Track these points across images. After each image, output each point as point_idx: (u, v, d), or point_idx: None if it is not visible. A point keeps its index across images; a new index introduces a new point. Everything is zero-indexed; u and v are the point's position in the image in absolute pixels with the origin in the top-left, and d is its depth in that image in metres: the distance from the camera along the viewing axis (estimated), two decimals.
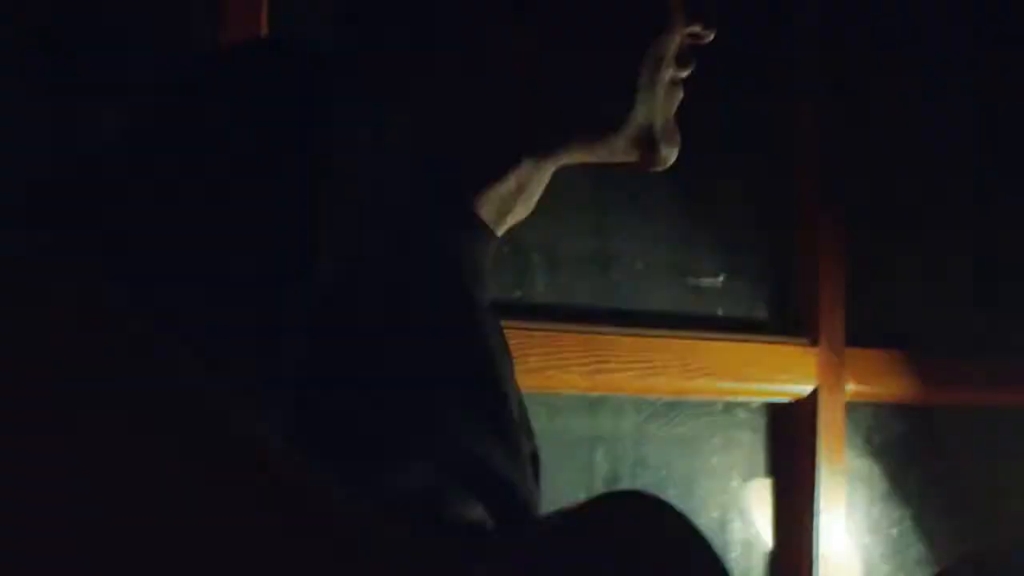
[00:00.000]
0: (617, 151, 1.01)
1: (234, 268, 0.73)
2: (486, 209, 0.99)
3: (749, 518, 2.17)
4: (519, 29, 0.97)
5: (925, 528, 2.30)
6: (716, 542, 0.81)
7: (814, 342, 2.19)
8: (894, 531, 2.29)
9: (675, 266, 2.13)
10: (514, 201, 1.01)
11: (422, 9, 0.97)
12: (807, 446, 2.18)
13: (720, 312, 2.17)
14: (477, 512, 0.87)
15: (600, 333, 2.02)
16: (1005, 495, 2.33)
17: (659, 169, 1.03)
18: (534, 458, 1.10)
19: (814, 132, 2.22)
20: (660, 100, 1.00)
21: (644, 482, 2.08)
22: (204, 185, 0.75)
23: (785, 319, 2.21)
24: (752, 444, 2.18)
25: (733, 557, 2.15)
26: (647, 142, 1.01)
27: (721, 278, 2.17)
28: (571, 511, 0.88)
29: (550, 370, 1.97)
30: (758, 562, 2.17)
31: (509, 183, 0.99)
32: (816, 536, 2.16)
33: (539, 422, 1.95)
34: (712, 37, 1.02)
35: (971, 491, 2.32)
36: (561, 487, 2.01)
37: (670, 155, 1.02)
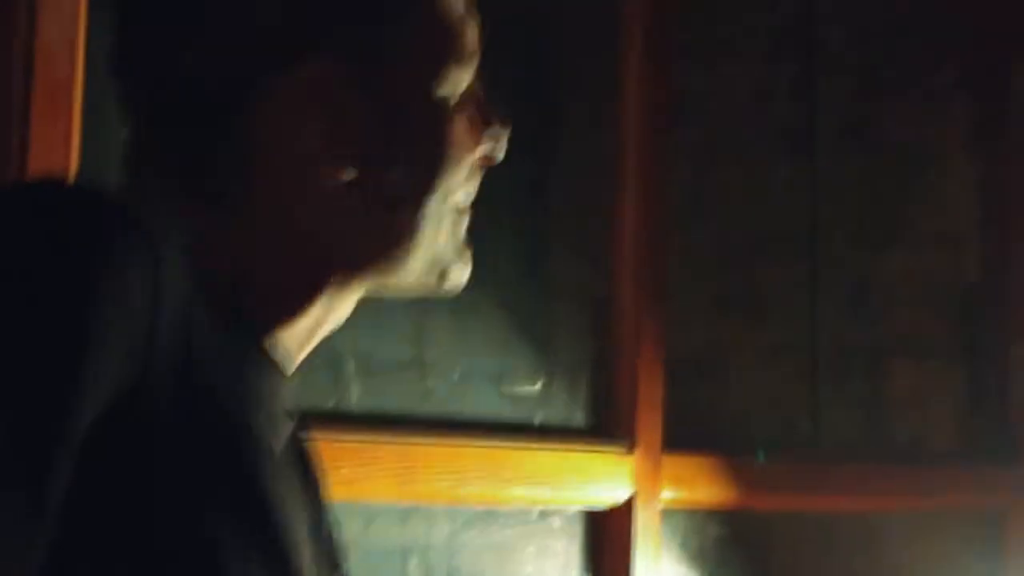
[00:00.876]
0: (408, 280, 1.00)
1: None
2: (282, 346, 0.97)
3: None
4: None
5: None
6: None
7: (631, 448, 2.19)
8: None
9: (491, 374, 2.12)
10: (312, 335, 0.99)
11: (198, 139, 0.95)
12: (623, 553, 2.17)
13: (536, 419, 2.16)
14: None
15: (412, 443, 2.00)
16: None
17: (452, 293, 1.02)
18: None
19: (634, 232, 2.23)
20: (449, 226, 1.00)
21: None
22: None
23: (603, 425, 2.21)
24: (568, 552, 2.17)
25: None
26: (437, 269, 1.00)
27: (538, 386, 2.16)
28: None
29: (361, 480, 1.95)
30: None
31: (305, 320, 0.98)
32: None
33: (351, 532, 1.94)
34: (500, 158, 1.02)
35: None
36: None
37: (460, 279, 1.02)
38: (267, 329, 0.96)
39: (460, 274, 1.02)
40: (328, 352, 1.95)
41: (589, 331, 2.22)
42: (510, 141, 1.02)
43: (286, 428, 1.00)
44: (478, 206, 1.02)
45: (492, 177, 1.04)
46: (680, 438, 2.24)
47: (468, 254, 1.03)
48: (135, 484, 0.82)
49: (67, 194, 0.87)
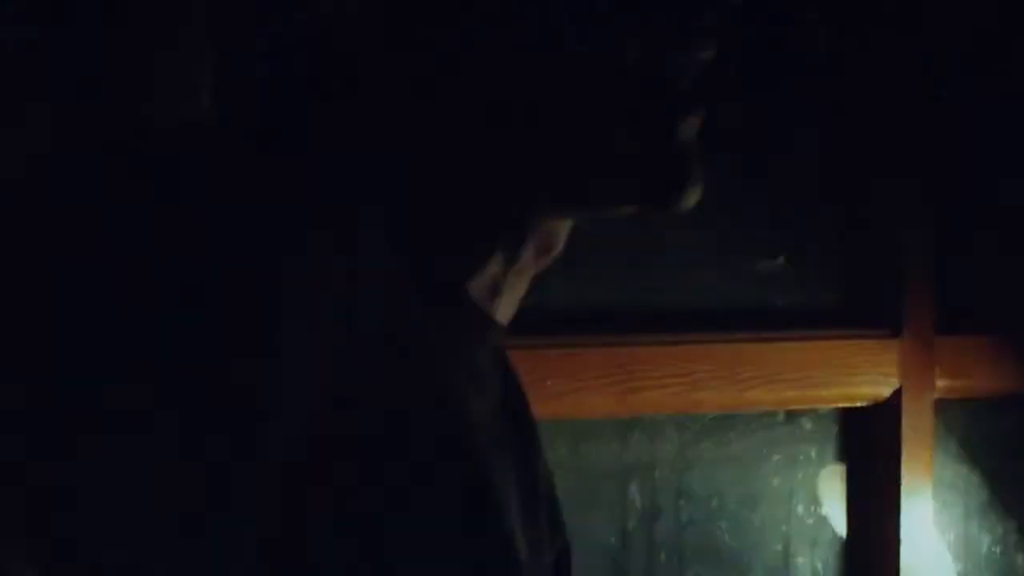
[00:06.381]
0: (622, 199, 0.81)
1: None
2: (484, 294, 0.82)
3: (820, 550, 1.84)
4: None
5: None
6: None
7: (896, 332, 1.84)
8: (996, 549, 1.95)
9: (721, 251, 1.78)
10: (511, 277, 0.83)
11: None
12: (889, 458, 1.84)
13: (778, 303, 1.82)
14: None
15: (630, 343, 1.69)
16: None
17: (672, 212, 0.81)
18: (563, 555, 0.98)
19: (887, 84, 1.85)
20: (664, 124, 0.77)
21: (690, 516, 1.75)
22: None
23: (860, 306, 1.86)
24: (821, 461, 1.84)
25: None
26: (654, 183, 0.79)
27: (780, 260, 1.81)
28: None
29: (570, 394, 1.65)
30: None
31: (511, 258, 0.82)
32: (900, 564, 1.82)
33: (560, 454, 1.65)
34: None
35: None
36: (592, 529, 1.70)
37: (677, 195, 0.80)
38: (464, 276, 0.81)
39: (678, 190, 0.80)
40: None
41: (840, 190, 1.84)
42: None
43: (492, 380, 0.86)
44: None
45: None
46: (953, 319, 1.88)
47: (686, 164, 0.79)
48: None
49: None
